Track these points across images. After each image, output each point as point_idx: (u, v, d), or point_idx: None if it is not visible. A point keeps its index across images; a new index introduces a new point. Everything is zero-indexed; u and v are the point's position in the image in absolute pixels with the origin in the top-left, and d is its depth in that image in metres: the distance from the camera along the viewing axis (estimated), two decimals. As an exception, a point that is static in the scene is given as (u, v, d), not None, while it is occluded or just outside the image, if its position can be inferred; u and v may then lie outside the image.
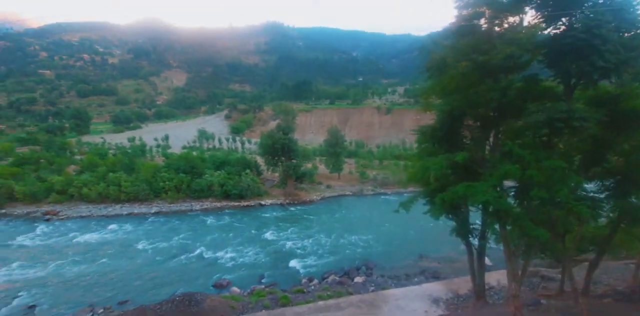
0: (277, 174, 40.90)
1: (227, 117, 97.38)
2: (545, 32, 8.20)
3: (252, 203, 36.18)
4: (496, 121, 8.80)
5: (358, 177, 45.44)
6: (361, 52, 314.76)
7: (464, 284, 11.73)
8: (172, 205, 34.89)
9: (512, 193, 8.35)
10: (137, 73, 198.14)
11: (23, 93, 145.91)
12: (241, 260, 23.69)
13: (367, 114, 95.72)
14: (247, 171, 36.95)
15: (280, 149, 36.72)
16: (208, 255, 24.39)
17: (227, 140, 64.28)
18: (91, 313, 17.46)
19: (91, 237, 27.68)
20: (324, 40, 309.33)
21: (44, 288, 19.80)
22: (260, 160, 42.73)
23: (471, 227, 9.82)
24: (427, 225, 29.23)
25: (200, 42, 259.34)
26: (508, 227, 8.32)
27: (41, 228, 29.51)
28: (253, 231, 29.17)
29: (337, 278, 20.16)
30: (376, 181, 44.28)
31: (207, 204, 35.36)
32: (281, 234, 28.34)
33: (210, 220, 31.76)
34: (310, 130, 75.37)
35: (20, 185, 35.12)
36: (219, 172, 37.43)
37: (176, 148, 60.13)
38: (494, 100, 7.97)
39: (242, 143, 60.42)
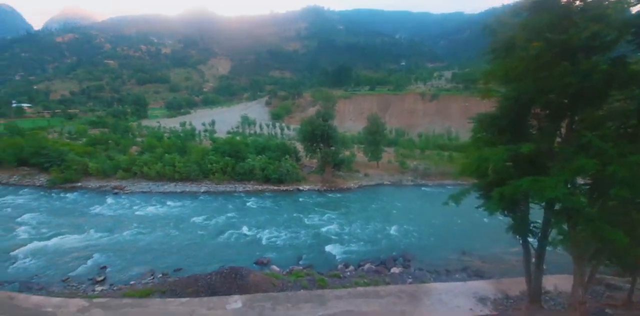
0: (315, 160, 41.50)
1: (268, 104, 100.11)
2: (634, 9, 6.87)
3: (290, 187, 37.41)
4: (571, 109, 7.74)
5: (397, 166, 44.20)
6: (405, 34, 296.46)
7: (514, 285, 11.00)
8: (218, 185, 37.53)
9: (585, 190, 7.41)
10: (187, 61, 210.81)
11: (92, 82, 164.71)
12: (280, 240, 24.90)
13: (409, 101, 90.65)
14: (287, 157, 38.02)
15: (319, 136, 36.96)
16: (250, 233, 26.02)
17: (268, 126, 66.42)
18: (152, 277, 19.84)
19: (151, 210, 31.06)
20: (366, 23, 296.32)
21: (113, 252, 22.78)
22: (299, 146, 43.60)
23: (531, 225, 9.00)
24: (470, 220, 27.79)
25: (242, 30, 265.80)
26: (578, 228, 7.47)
27: (110, 200, 33.81)
28: (292, 214, 30.29)
29: (373, 266, 20.27)
30: (416, 171, 42.70)
31: (250, 187, 37.39)
32: (318, 219, 29.07)
33: (252, 202, 33.62)
34: (349, 117, 74.22)
35: (93, 162, 40.27)
36: (260, 156, 39.07)
37: (221, 132, 63.79)
38: (572, 86, 6.95)
39: (282, 129, 61.99)
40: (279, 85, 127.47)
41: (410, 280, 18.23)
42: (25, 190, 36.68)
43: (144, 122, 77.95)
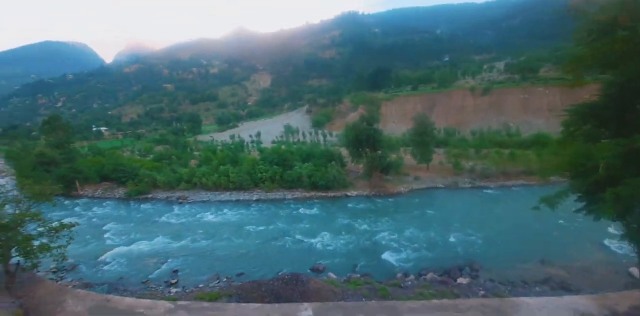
0: (361, 166, 40.87)
1: (308, 112, 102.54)
2: None
3: (338, 194, 37.25)
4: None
5: (450, 168, 41.35)
6: (446, 28, 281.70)
7: (622, 300, 9.23)
8: (268, 193, 38.97)
9: None
10: (232, 79, 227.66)
11: (154, 104, 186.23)
12: (334, 247, 24.68)
13: (457, 97, 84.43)
14: (332, 163, 38.06)
15: (364, 140, 36.39)
16: (303, 240, 26.29)
17: (310, 133, 67.72)
18: (217, 281, 21.02)
19: (211, 218, 33.31)
20: (402, 22, 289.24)
21: (182, 257, 24.70)
22: (343, 151, 43.45)
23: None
24: (545, 224, 24.65)
25: (280, 44, 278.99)
26: None
27: (176, 209, 37.08)
28: (342, 221, 29.97)
29: (436, 276, 18.90)
30: (474, 172, 39.42)
31: (298, 194, 38.13)
32: (370, 225, 28.29)
33: (301, 209, 34.12)
34: (392, 120, 72.00)
35: (160, 175, 44.83)
36: (306, 164, 39.76)
37: (266, 142, 66.75)
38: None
39: (324, 136, 62.64)
40: (318, 93, 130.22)
41: (482, 292, 16.56)
42: (108, 202, 42.13)
43: (199, 137, 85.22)
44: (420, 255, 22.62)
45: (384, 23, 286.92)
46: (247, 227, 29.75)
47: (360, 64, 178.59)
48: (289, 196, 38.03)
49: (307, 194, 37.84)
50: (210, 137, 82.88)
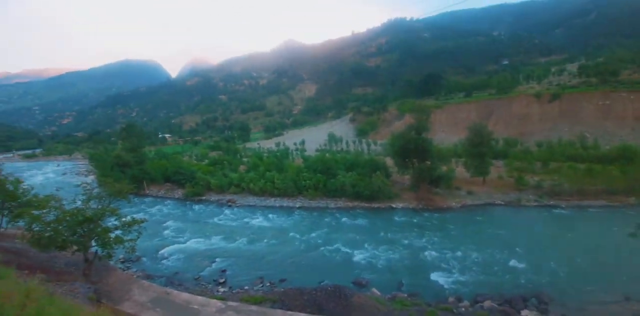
0: (407, 177, 39.10)
1: (352, 120, 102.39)
2: None
3: (382, 205, 35.99)
4: None
5: (511, 182, 37.22)
6: (504, 29, 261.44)
7: None
8: (311, 201, 39.27)
9: None
10: (279, 89, 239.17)
11: (209, 114, 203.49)
12: (377, 261, 23.67)
13: (519, 104, 75.30)
14: (377, 173, 37.07)
15: (412, 150, 34.77)
16: (345, 251, 25.73)
17: (354, 142, 67.26)
18: (261, 285, 21.49)
19: (257, 222, 34.57)
20: (454, 26, 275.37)
21: (230, 258, 25.82)
22: (389, 161, 42.12)
23: None
24: (630, 254, 20.68)
25: (326, 54, 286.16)
26: None
27: (226, 211, 39.31)
28: (387, 234, 28.75)
29: (495, 305, 16.85)
30: (540, 189, 34.91)
31: (341, 203, 37.76)
32: (417, 241, 26.63)
33: (344, 219, 33.62)
34: (442, 129, 67.79)
35: (213, 179, 48.21)
36: (350, 173, 39.35)
37: (310, 150, 67.96)
38: None
39: (368, 145, 61.67)
40: (362, 101, 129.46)
41: (554, 330, 14.29)
42: (168, 201, 46.44)
43: (247, 145, 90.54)
44: (475, 279, 20.50)
45: (434, 27, 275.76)
46: (291, 234, 30.19)
47: (407, 70, 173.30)
48: (332, 205, 37.86)
49: (350, 204, 37.27)
50: (258, 144, 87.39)
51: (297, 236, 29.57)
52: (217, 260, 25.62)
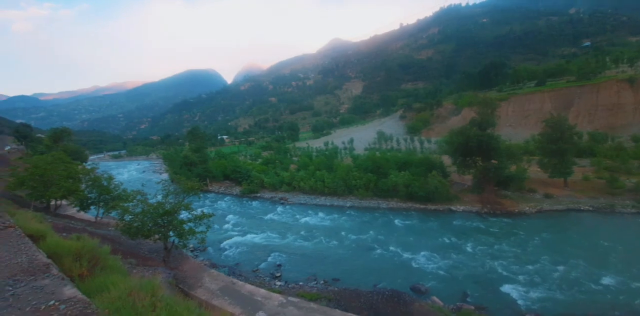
0: (468, 177, 35.91)
1: (402, 118, 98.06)
2: None
3: (440, 207, 33.66)
4: None
5: (603, 185, 31.54)
6: (584, 5, 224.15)
7: None
8: (362, 201, 38.66)
9: None
10: (325, 89, 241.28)
11: (261, 116, 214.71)
12: (436, 267, 22.16)
13: (607, 92, 62.34)
14: (433, 172, 34.76)
15: (475, 147, 31.67)
16: (401, 254, 24.66)
17: (405, 140, 64.30)
18: (315, 282, 21.77)
19: (308, 220, 35.25)
20: (520, 7, 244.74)
21: (284, 253, 26.71)
22: (445, 160, 39.25)
23: None
24: None
25: (372, 50, 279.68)
26: None
27: (279, 209, 40.90)
28: (446, 238, 26.81)
29: (588, 327, 14.39)
30: (640, 193, 28.98)
31: (393, 204, 36.40)
32: (483, 248, 24.24)
33: (397, 220, 32.32)
34: (508, 123, 60.32)
35: (267, 178, 50.71)
36: (402, 172, 37.67)
37: (359, 149, 67.02)
38: None
39: (421, 143, 58.35)
40: (413, 97, 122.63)
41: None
42: (227, 197, 50.16)
43: (297, 144, 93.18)
44: (556, 295, 17.84)
45: (495, 11, 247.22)
46: (342, 233, 30.08)
47: (464, 61, 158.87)
48: (384, 205, 36.74)
49: (404, 205, 35.69)
50: (306, 143, 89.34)
51: (349, 235, 29.34)
52: (272, 254, 26.71)
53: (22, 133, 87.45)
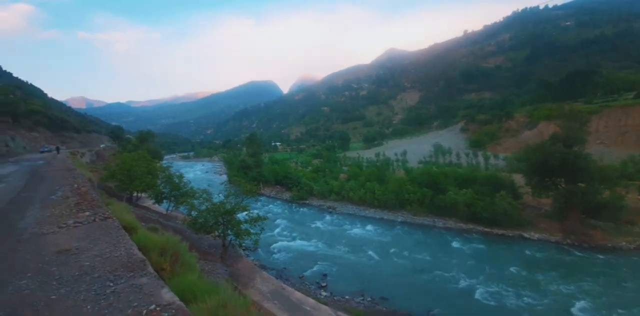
0: (546, 200, 31.05)
1: (463, 130, 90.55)
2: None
3: (509, 232, 29.61)
4: None
5: None
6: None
7: None
8: (415, 217, 36.25)
9: None
10: (379, 99, 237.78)
11: (313, 124, 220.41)
12: (505, 301, 19.25)
13: None
14: (502, 192, 30.91)
15: (557, 167, 27.25)
16: (458, 280, 22.17)
17: (467, 155, 59.01)
18: (362, 298, 20.75)
19: (356, 231, 34.27)
20: (612, 8, 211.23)
21: (330, 263, 26.14)
22: (517, 179, 34.66)
23: None
24: None
25: (431, 60, 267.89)
26: None
27: (327, 217, 40.72)
28: (514, 269, 23.32)
29: None
30: None
31: (451, 224, 33.27)
32: (567, 286, 20.38)
33: (455, 242, 29.35)
34: (598, 140, 50.90)
35: (316, 185, 51.21)
36: (464, 190, 34.37)
37: (412, 162, 63.62)
38: None
39: (486, 159, 52.76)
40: (476, 108, 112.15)
41: None
42: (278, 202, 51.88)
43: (347, 154, 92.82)
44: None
45: (580, 13, 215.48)
46: (392, 249, 28.43)
47: (540, 69, 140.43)
48: (440, 224, 33.83)
49: (464, 226, 32.34)
50: (357, 153, 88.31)
51: (399, 252, 27.58)
52: (319, 262, 26.43)
53: (116, 134, 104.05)
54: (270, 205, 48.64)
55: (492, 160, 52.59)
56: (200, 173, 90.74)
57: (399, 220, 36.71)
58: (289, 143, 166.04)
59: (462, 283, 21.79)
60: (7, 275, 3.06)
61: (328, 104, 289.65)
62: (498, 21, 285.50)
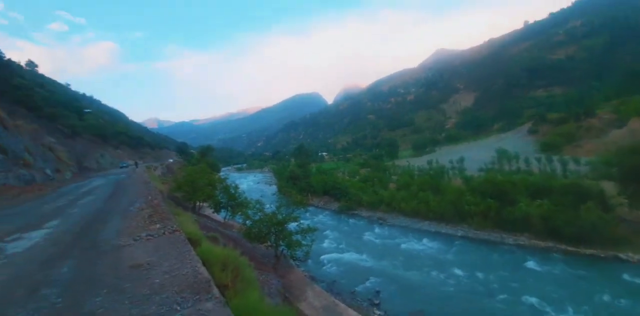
0: (650, 214, 25.32)
1: (532, 132, 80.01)
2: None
3: (600, 252, 24.68)
4: None
5: None
6: None
7: None
8: (478, 231, 32.64)
9: None
10: (428, 103, 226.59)
11: (359, 133, 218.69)
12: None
13: None
14: (589, 204, 26.15)
15: (665, 174, 22.19)
16: (537, 308, 18.98)
17: (538, 160, 51.66)
18: (420, 319, 19.05)
19: (410, 246, 32.10)
20: None
21: (383, 280, 24.64)
22: (608, 187, 29.03)
23: None
24: None
25: (487, 56, 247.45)
26: None
27: (377, 229, 39.09)
28: (608, 297, 19.16)
29: None
30: None
31: (524, 240, 29.07)
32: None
33: (530, 262, 25.44)
34: None
35: (365, 195, 49.92)
36: (539, 201, 29.96)
37: (471, 170, 58.13)
38: None
39: (563, 164, 45.51)
40: (546, 106, 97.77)
41: None
42: (326, 212, 51.75)
43: (396, 162, 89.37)
44: None
45: None
46: (452, 267, 25.83)
47: (624, 57, 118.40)
48: (510, 240, 29.81)
49: (541, 243, 27.97)
50: (407, 162, 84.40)
51: (461, 272, 24.87)
52: (370, 278, 25.21)
53: (182, 149, 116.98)
54: (319, 216, 48.71)
55: (571, 166, 45.21)
56: (253, 184, 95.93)
57: (459, 234, 33.45)
58: (336, 153, 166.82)
59: (541, 311, 18.62)
60: (86, 290, 3.31)
61: (373, 112, 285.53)
62: (566, 7, 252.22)
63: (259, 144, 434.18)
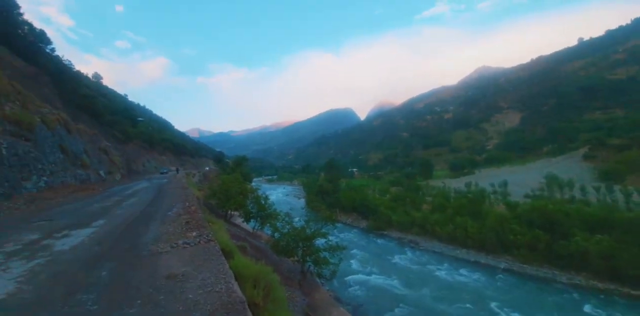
0: None
1: (588, 157, 71.84)
2: None
3: (683, 303, 20.57)
4: None
5: None
6: None
7: None
8: (524, 265, 29.18)
9: None
10: (467, 122, 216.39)
11: (390, 151, 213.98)
12: None
13: None
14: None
15: None
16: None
17: (597, 189, 45.87)
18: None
19: (444, 274, 29.55)
20: None
21: (414, 308, 22.68)
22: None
23: None
24: None
25: (535, 74, 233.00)
26: None
27: (408, 253, 36.77)
28: None
29: None
30: None
31: (580, 280, 25.32)
32: None
33: (589, 307, 21.93)
34: None
35: (395, 216, 47.67)
36: (598, 236, 26.21)
37: (516, 196, 53.19)
38: None
39: (627, 195, 39.92)
40: (604, 130, 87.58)
41: None
42: (355, 230, 50.09)
43: (430, 182, 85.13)
44: None
45: None
46: (493, 304, 23.13)
47: None
48: (563, 278, 26.18)
49: (600, 284, 24.18)
50: (442, 182, 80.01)
51: (506, 309, 22.14)
52: (400, 305, 23.39)
53: (218, 158, 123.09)
54: (347, 233, 47.28)
55: (635, 197, 39.45)
56: (282, 196, 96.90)
57: (502, 266, 30.17)
58: (366, 170, 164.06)
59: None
60: (122, 299, 3.23)
61: (407, 129, 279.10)
62: (625, 24, 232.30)
63: (289, 157, 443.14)
